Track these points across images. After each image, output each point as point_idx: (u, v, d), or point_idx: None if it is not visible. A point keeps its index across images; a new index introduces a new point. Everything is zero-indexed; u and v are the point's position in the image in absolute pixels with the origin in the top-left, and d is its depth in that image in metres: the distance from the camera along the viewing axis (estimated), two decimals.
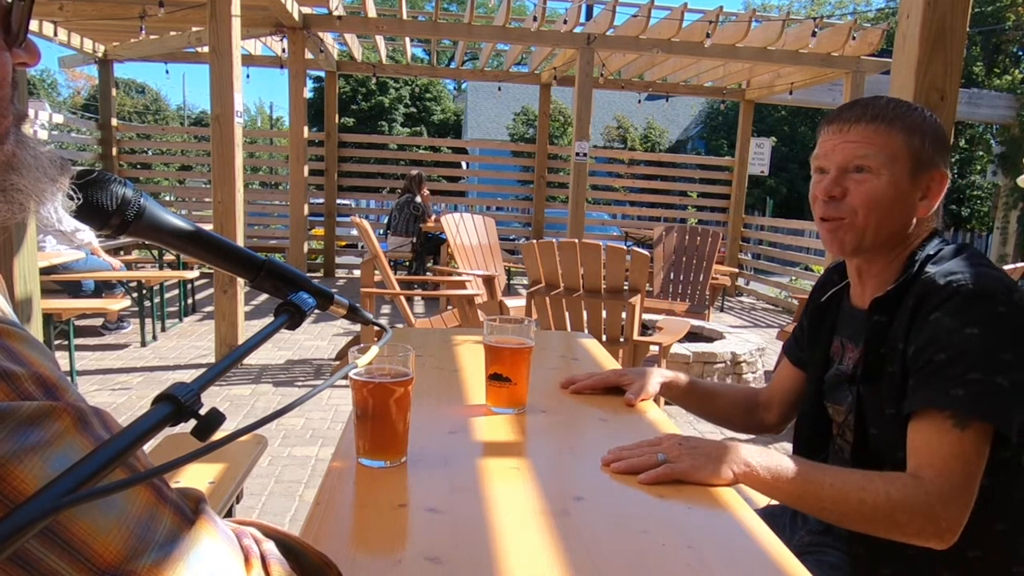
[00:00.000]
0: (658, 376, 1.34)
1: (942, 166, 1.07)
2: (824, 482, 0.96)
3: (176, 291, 6.51)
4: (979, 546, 1.01)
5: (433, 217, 7.98)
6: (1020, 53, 19.24)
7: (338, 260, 9.45)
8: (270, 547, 0.53)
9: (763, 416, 1.38)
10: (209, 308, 6.36)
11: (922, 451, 0.95)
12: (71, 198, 0.52)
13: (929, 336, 0.97)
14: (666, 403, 1.78)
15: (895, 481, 0.95)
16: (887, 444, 1.04)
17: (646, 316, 4.55)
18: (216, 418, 0.46)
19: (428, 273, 7.76)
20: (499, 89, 10.46)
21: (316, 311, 0.64)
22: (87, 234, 5.05)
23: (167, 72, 11.50)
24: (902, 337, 1.02)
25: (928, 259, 1.05)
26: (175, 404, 0.44)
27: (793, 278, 9.51)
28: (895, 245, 1.09)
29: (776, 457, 0.99)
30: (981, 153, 16.12)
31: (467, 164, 20.82)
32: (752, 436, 2.77)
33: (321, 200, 9.07)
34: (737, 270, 9.19)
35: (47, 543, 0.38)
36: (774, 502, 1.40)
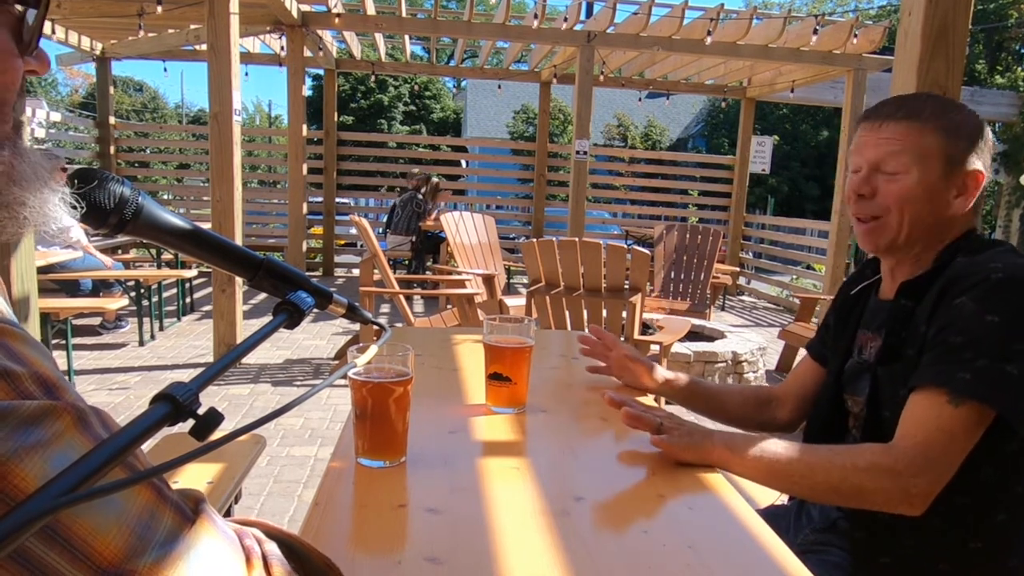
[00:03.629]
0: (659, 372, 1.36)
1: (978, 164, 1.06)
2: (793, 459, 0.99)
3: (174, 290, 6.50)
4: (980, 538, 1.01)
5: (433, 215, 7.97)
6: (1022, 51, 19.23)
7: (337, 259, 9.45)
8: (272, 548, 0.52)
9: (775, 413, 1.37)
10: (207, 307, 6.36)
11: (908, 422, 0.97)
12: (69, 202, 0.52)
13: (950, 318, 0.98)
14: (667, 403, 1.77)
15: (864, 452, 0.97)
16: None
17: (646, 316, 4.55)
18: (214, 418, 0.46)
19: (428, 272, 7.76)
20: (499, 87, 10.44)
21: (315, 310, 0.63)
22: (76, 231, 5.01)
23: (165, 70, 11.51)
24: (925, 320, 1.02)
25: (961, 251, 1.05)
26: (173, 404, 0.44)
27: (794, 277, 9.50)
28: (929, 240, 1.09)
29: (751, 442, 1.03)
30: None
31: (467, 163, 20.83)
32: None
33: (320, 199, 9.06)
34: (738, 269, 9.19)
35: (48, 541, 0.39)
36: (776, 502, 1.40)
